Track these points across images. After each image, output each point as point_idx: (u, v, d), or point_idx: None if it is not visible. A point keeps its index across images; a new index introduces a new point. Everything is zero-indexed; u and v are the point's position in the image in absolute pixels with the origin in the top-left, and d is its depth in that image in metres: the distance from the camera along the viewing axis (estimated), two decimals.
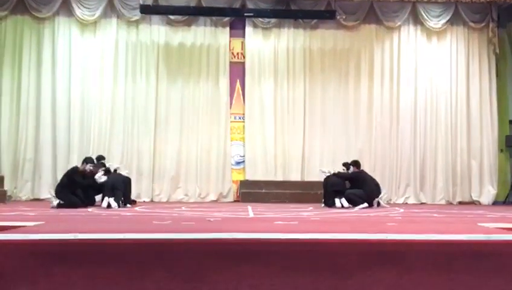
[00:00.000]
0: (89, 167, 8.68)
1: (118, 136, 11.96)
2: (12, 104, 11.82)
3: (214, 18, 12.25)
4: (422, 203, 12.00)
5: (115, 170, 9.33)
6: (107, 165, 9.43)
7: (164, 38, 12.24)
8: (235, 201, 11.94)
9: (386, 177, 12.10)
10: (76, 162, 11.48)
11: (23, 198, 11.44)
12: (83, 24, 11.99)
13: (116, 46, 12.08)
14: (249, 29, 12.41)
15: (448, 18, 12.43)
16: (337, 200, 9.08)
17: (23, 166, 11.67)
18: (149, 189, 11.90)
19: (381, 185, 10.21)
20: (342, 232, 3.65)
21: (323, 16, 12.14)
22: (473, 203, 12.18)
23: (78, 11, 11.87)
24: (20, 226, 4.34)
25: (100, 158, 9.72)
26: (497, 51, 12.48)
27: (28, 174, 11.66)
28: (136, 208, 8.51)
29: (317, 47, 12.51)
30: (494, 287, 3.24)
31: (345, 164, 10.06)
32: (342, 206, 8.94)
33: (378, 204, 9.60)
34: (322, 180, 9.95)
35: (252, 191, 11.67)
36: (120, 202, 8.43)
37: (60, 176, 11.32)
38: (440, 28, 12.47)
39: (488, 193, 12.28)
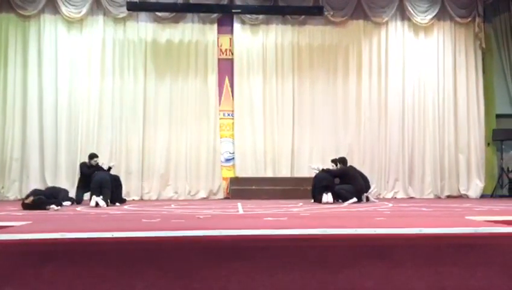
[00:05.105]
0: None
1: (106, 135, 11.86)
2: None
3: (201, 15, 12.19)
4: (410, 198, 12.08)
5: (109, 168, 9.31)
6: (100, 163, 9.43)
7: (152, 35, 12.15)
8: (225, 198, 11.92)
9: (375, 172, 12.16)
10: (64, 161, 11.49)
11: (11, 198, 11.31)
12: (69, 22, 11.86)
13: (103, 43, 11.97)
14: (237, 26, 12.37)
15: (435, 13, 12.51)
16: (324, 195, 9.11)
17: (10, 166, 11.53)
18: (138, 187, 11.83)
19: (370, 180, 10.26)
20: (331, 228, 3.66)
21: (311, 12, 12.14)
22: (461, 196, 12.28)
23: (64, 9, 11.73)
24: (8, 226, 4.30)
25: (93, 156, 9.67)
26: (484, 45, 12.59)
27: (15, 174, 11.53)
28: (125, 207, 8.46)
29: (306, 43, 12.51)
30: (481, 279, 3.28)
31: (334, 160, 10.10)
32: (328, 202, 8.96)
33: (367, 199, 9.66)
34: (312, 176, 9.97)
35: (242, 188, 11.64)
36: (108, 201, 8.38)
37: (47, 176, 11.42)
38: (427, 23, 12.54)
39: (476, 186, 12.40)
